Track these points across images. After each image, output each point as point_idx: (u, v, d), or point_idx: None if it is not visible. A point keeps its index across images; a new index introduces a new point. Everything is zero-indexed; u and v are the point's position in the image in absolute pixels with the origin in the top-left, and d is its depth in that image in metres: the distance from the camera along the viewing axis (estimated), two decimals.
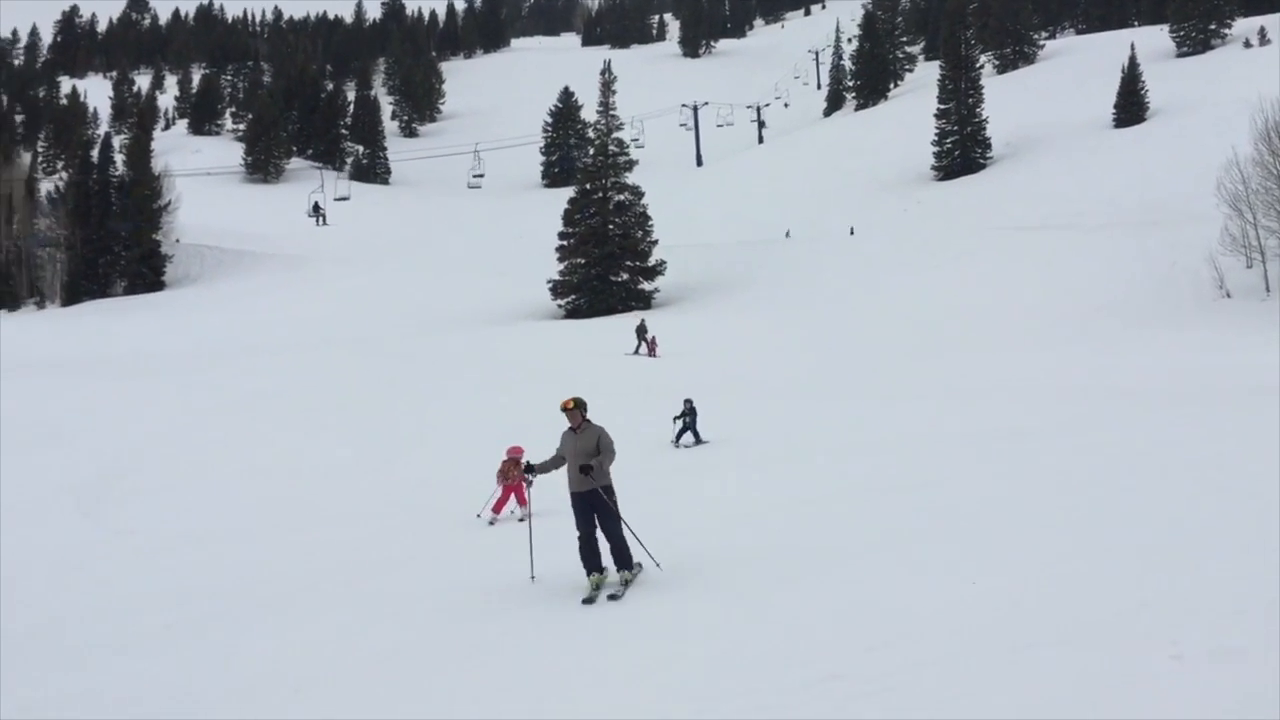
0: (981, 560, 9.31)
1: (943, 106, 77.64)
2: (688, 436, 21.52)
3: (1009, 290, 43.21)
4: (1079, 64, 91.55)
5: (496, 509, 15.07)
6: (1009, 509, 11.57)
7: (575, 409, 10.12)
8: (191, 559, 14.61)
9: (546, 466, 10.38)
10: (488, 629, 9.20)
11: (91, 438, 23.45)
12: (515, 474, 14.74)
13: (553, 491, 11.62)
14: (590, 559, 9.95)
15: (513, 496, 15.19)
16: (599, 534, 9.93)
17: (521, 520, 13.59)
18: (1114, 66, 77.52)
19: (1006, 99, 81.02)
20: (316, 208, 73.55)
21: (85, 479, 20.26)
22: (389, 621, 9.84)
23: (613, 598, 9.59)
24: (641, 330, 38.00)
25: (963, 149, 76.30)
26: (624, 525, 9.97)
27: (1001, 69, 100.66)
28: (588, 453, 9.95)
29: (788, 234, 63.03)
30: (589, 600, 9.64)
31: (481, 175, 70.44)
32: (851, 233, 60.19)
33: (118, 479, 20.38)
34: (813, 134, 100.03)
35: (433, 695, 7.54)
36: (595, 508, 9.91)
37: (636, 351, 37.15)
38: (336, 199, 69.10)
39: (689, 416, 21.53)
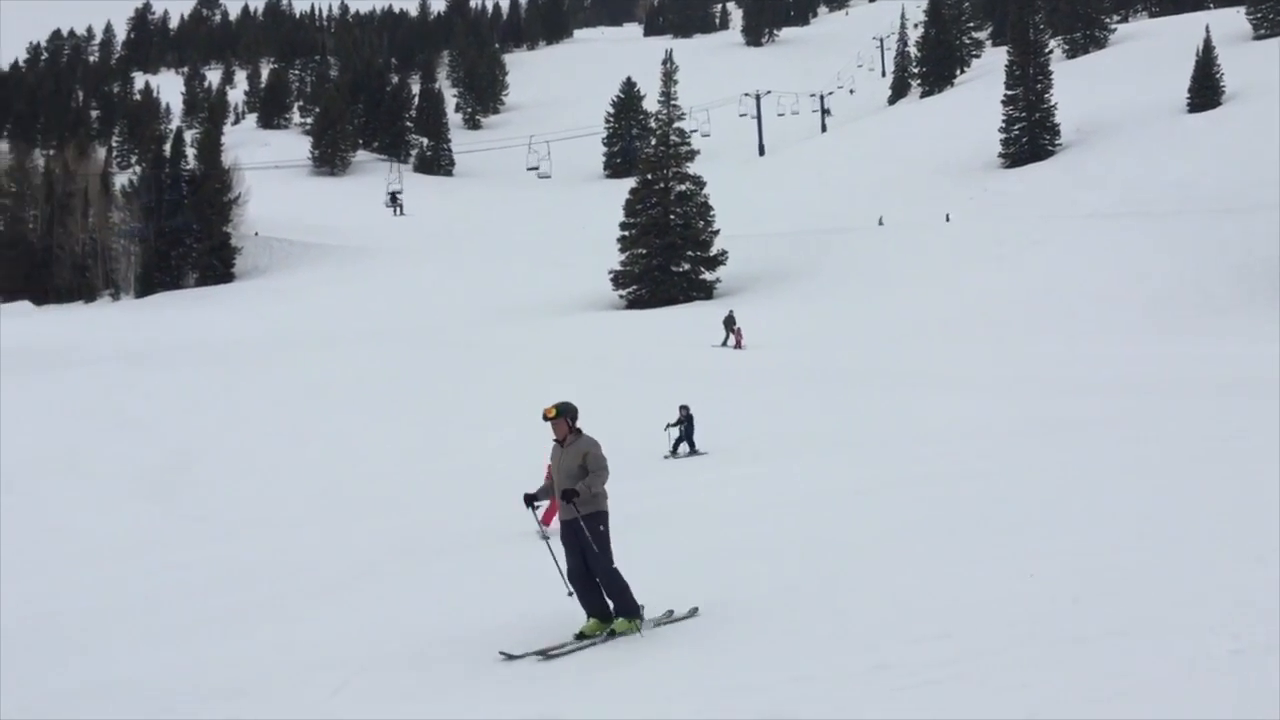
0: (1039, 552, 9.20)
1: (1010, 92, 76.36)
2: (683, 447, 20.22)
3: (1077, 279, 42.47)
4: (1151, 48, 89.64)
5: (547, 520, 13.00)
6: (1069, 500, 11.41)
7: (559, 418, 8.46)
8: (255, 544, 14.92)
9: (547, 490, 8.86)
10: (539, 619, 9.29)
11: (163, 426, 24.00)
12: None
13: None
14: (585, 596, 8.40)
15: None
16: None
17: None
18: (1188, 50, 75.71)
19: (1076, 84, 79.52)
20: (394, 198, 75.16)
21: (156, 466, 20.76)
22: (442, 607, 9.97)
23: (543, 655, 7.93)
24: (730, 322, 37.31)
25: (1030, 136, 75.03)
26: (613, 563, 8.30)
27: (1071, 54, 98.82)
28: (571, 473, 8.34)
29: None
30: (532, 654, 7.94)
31: (536, 168, 70.69)
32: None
33: (187, 466, 20.86)
34: (877, 122, 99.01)
35: (492, 687, 7.63)
36: (580, 540, 8.33)
37: (725, 343, 36.51)
38: (390, 192, 69.92)
39: (684, 425, 20.20)
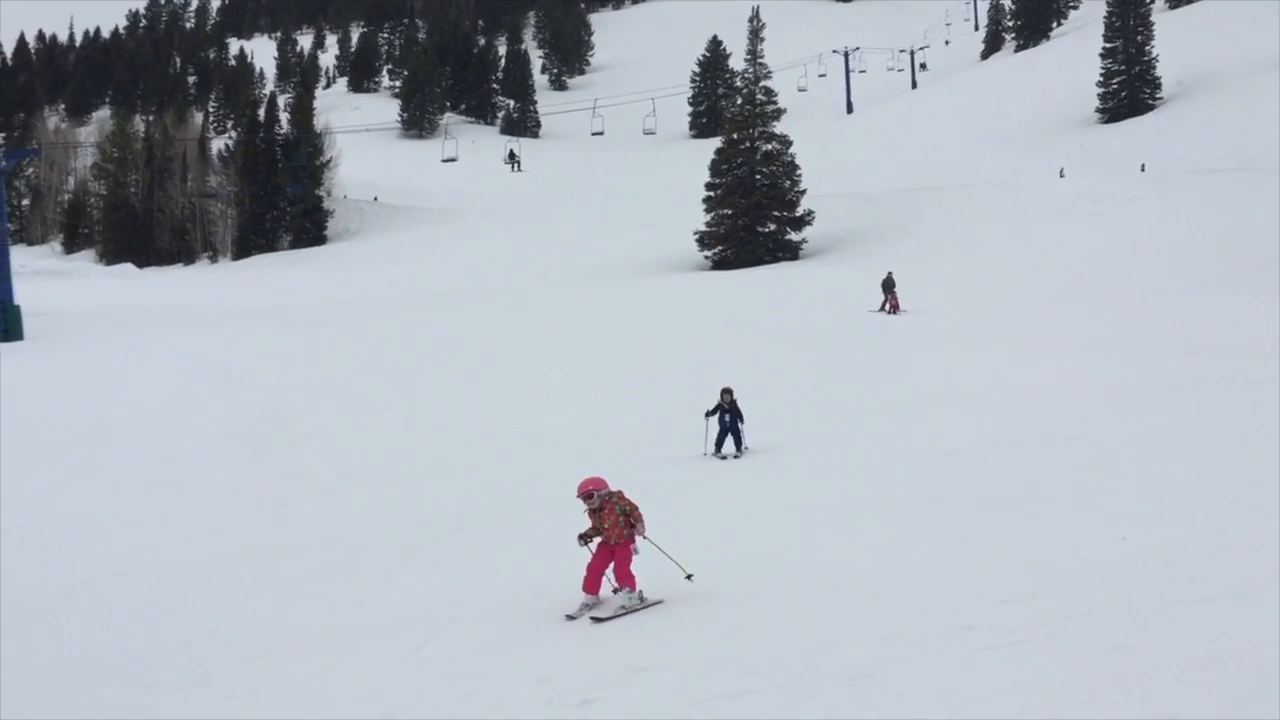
0: (1131, 515, 9.05)
1: (1109, 45, 74.10)
2: (729, 443, 15.52)
3: (1178, 237, 41.18)
4: None
5: (591, 585, 8.37)
6: (1164, 464, 11.17)
7: None
8: (350, 500, 15.30)
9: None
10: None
11: (260, 384, 24.59)
12: (613, 525, 8.39)
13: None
14: None
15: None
16: None
17: (626, 609, 8.19)
18: None
19: (1179, 35, 76.82)
20: (512, 155, 76.36)
21: (254, 423, 21.31)
22: (532, 565, 10.14)
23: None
24: (888, 285, 34.25)
25: (1130, 89, 72.77)
26: None
27: (1174, 4, 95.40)
28: None
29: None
30: None
31: (602, 132, 71.01)
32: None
33: (283, 424, 21.38)
34: (969, 77, 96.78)
35: (579, 637, 7.76)
36: None
37: (882, 308, 33.59)
38: (444, 160, 70.18)
39: (727, 414, 15.51)
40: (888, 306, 33.76)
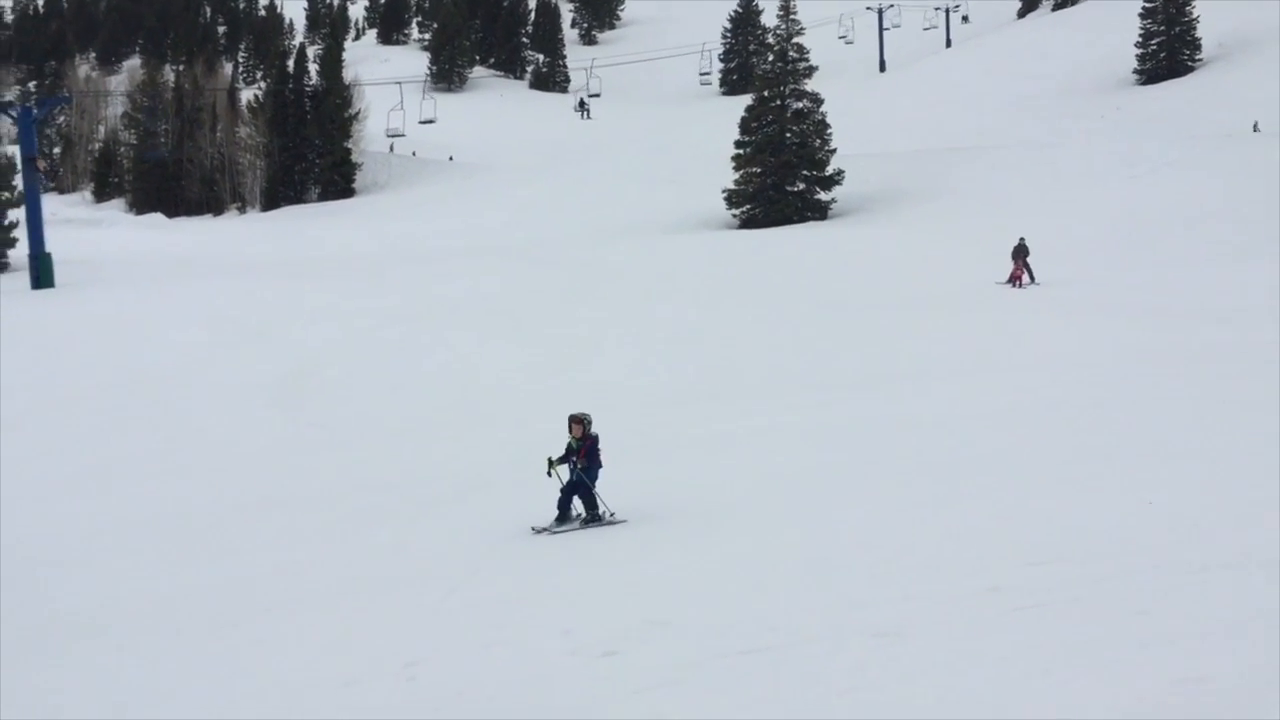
0: (1160, 480, 8.98)
1: (1148, 4, 72.73)
2: (575, 504, 9.99)
3: (1216, 202, 40.58)
4: None
5: None
6: (1192, 431, 11.07)
7: None
8: (375, 453, 15.38)
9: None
10: (648, 530, 9.43)
11: (287, 337, 24.71)
12: None
13: None
14: None
15: None
16: None
17: None
18: None
19: None
20: (582, 103, 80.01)
21: (281, 375, 21.43)
22: (549, 518, 10.16)
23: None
24: (1020, 252, 30.37)
25: (1169, 51, 71.48)
26: None
27: None
28: None
29: (1255, 127, 56.69)
30: None
31: (599, 93, 71.85)
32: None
33: (309, 376, 21.48)
34: (1004, 36, 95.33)
35: (600, 591, 7.80)
36: None
37: (1010, 280, 29.92)
38: (421, 121, 70.42)
39: (573, 459, 10.02)
40: (1016, 278, 29.85)
